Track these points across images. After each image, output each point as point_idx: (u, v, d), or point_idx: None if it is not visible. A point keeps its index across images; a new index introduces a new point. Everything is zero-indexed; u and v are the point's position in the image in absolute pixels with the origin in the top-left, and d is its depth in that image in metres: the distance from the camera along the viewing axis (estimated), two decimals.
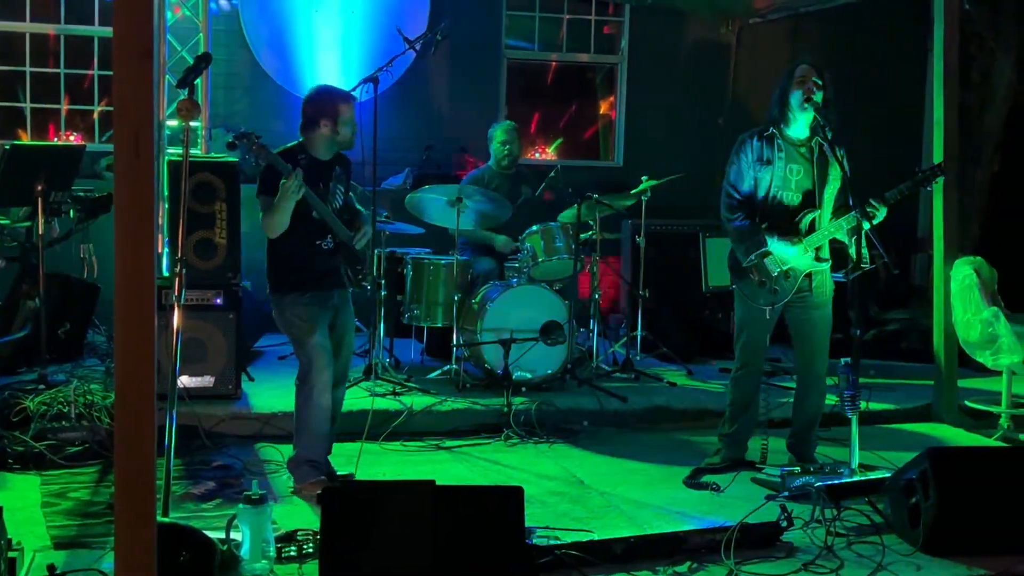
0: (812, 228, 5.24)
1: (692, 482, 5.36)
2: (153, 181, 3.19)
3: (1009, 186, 9.76)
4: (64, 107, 9.08)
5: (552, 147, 10.39)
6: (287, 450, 5.28)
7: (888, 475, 4.89)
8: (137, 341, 3.15)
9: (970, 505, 4.40)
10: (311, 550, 4.16)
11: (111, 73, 3.13)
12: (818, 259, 5.29)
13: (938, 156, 6.56)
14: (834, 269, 5.43)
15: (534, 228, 7.14)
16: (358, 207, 5.45)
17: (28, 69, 8.95)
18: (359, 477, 5.14)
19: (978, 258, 6.61)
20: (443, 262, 7.16)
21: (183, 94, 4.66)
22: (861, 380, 5.11)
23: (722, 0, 9.48)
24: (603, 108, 10.52)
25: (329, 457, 5.17)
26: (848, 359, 5.04)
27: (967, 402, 6.85)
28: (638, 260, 7.92)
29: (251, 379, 6.71)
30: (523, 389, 6.64)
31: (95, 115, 9.13)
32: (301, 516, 4.66)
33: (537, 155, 10.18)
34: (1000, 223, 9.61)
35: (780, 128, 5.29)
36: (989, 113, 9.86)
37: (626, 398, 6.67)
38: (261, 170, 5.03)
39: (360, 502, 3.81)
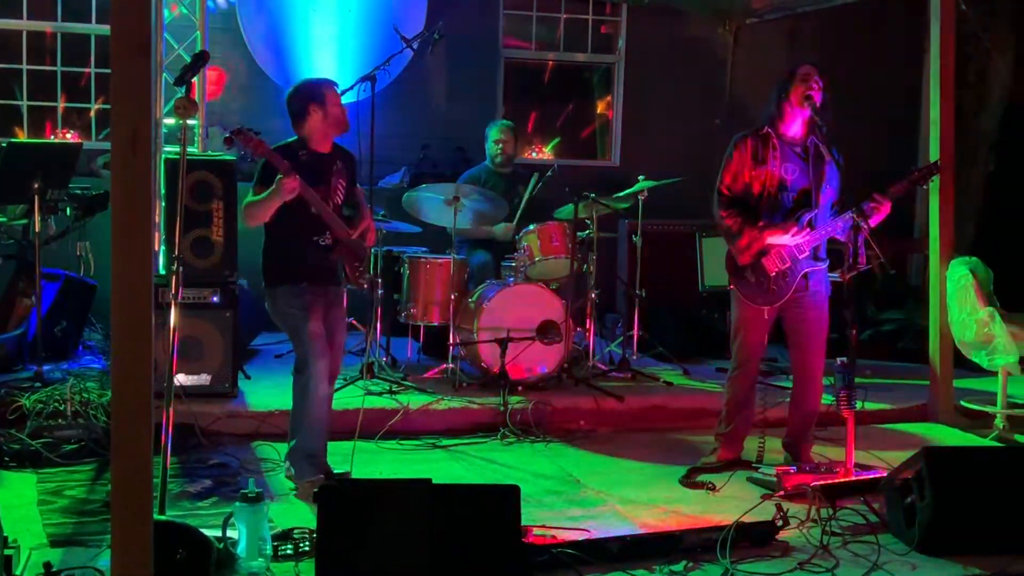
0: (809, 227, 5.25)
1: (688, 481, 5.36)
2: (150, 179, 3.20)
3: (1005, 186, 9.78)
4: (61, 105, 9.08)
5: (549, 146, 10.39)
6: (283, 448, 5.28)
7: (884, 475, 4.90)
8: (134, 339, 3.16)
9: (966, 505, 4.40)
10: (307, 548, 4.15)
11: (108, 71, 3.14)
12: (816, 258, 5.30)
13: (934, 156, 6.57)
14: (830, 269, 5.44)
15: (531, 227, 7.14)
16: (362, 203, 5.40)
17: (25, 67, 8.95)
18: (355, 476, 5.13)
19: (974, 258, 6.62)
20: (440, 261, 7.16)
21: (180, 92, 4.66)
22: (857, 380, 5.11)
23: (719, 0, 9.48)
24: (600, 108, 10.53)
25: (325, 456, 5.16)
26: (844, 359, 5.05)
27: (962, 402, 6.86)
28: (635, 259, 7.92)
29: (248, 377, 6.71)
30: (519, 388, 6.64)
31: (92, 113, 9.14)
32: (298, 514, 4.66)
33: (534, 154, 10.19)
34: (996, 223, 9.63)
35: (776, 127, 5.30)
36: (985, 113, 9.88)
37: (623, 397, 6.67)
38: (259, 165, 5.02)
39: (357, 500, 3.81)
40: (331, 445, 5.24)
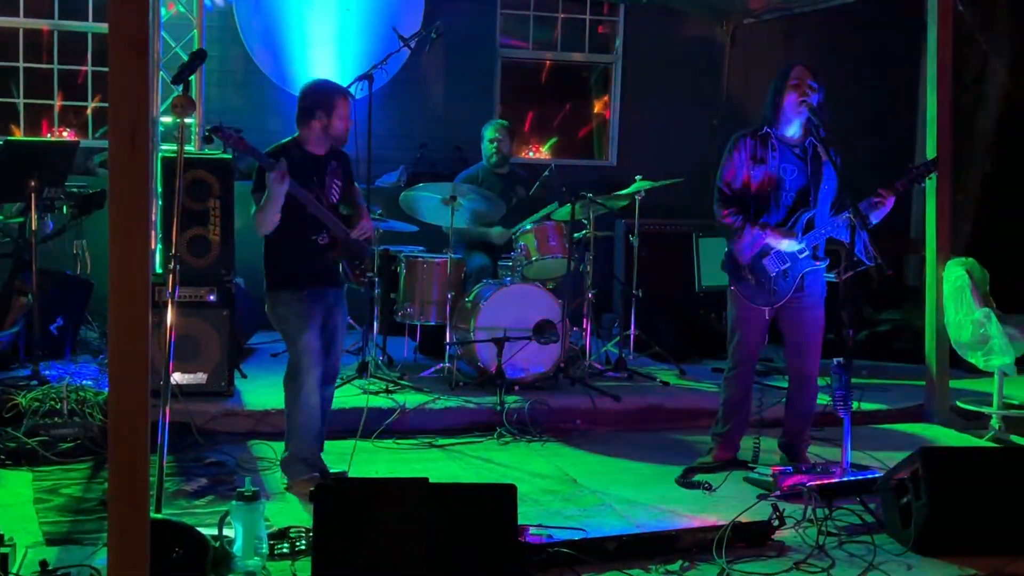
0: (809, 227, 5.25)
1: (684, 481, 5.36)
2: (149, 177, 3.20)
3: (1001, 187, 9.80)
4: (57, 103, 9.07)
5: (546, 146, 10.40)
6: (280, 447, 5.28)
7: (880, 475, 4.90)
8: (131, 338, 3.16)
9: (961, 505, 4.41)
10: (304, 547, 4.16)
11: (105, 69, 3.14)
12: (815, 258, 5.30)
13: (931, 157, 6.56)
14: (827, 269, 5.45)
15: (528, 227, 7.15)
16: (360, 202, 5.41)
17: (22, 64, 8.94)
18: (352, 475, 5.13)
19: (970, 259, 6.62)
20: (437, 260, 7.16)
21: (177, 91, 4.65)
22: (853, 380, 5.12)
23: (717, 0, 9.49)
24: (597, 107, 10.53)
25: (321, 455, 5.16)
26: (840, 359, 5.06)
27: (958, 403, 6.87)
28: (631, 259, 7.93)
29: (244, 376, 6.71)
30: (516, 388, 6.65)
31: (88, 111, 9.12)
32: (294, 513, 4.66)
33: (531, 154, 10.19)
34: (992, 224, 9.65)
35: (774, 127, 5.31)
36: (982, 114, 9.89)
37: (619, 397, 6.68)
38: (254, 171, 5.02)
39: (353, 499, 3.81)
40: (328, 444, 5.25)
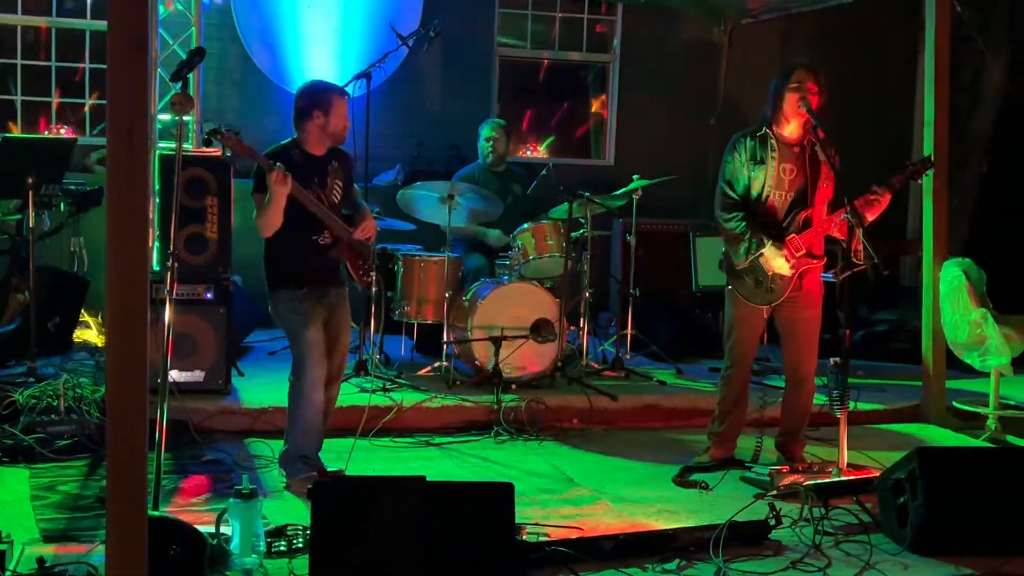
0: (805, 226, 5.26)
1: (681, 480, 5.37)
2: (147, 175, 3.20)
3: (998, 188, 9.81)
4: (55, 100, 9.06)
5: (544, 145, 10.40)
6: (277, 445, 5.28)
7: (876, 475, 4.91)
8: (130, 335, 3.16)
9: (958, 505, 4.42)
10: (301, 545, 4.15)
11: (103, 66, 3.15)
12: (812, 256, 5.30)
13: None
14: (824, 269, 5.46)
15: (525, 226, 7.14)
16: (361, 202, 5.41)
17: (19, 62, 8.94)
18: (349, 473, 5.14)
19: (967, 260, 6.63)
20: (434, 259, 7.16)
21: (174, 88, 4.65)
22: (850, 380, 5.13)
23: (714, 0, 9.50)
24: (595, 107, 10.54)
25: (319, 453, 5.16)
26: (837, 359, 5.07)
27: (955, 403, 6.87)
28: (629, 259, 7.93)
29: (241, 374, 6.71)
30: (513, 386, 6.65)
31: (86, 108, 9.12)
32: (291, 511, 4.65)
33: (528, 153, 10.19)
34: (989, 225, 9.66)
35: (773, 128, 5.31)
36: (979, 115, 9.91)
37: (616, 396, 6.68)
38: (254, 172, 5.01)
39: (351, 498, 3.81)
40: (325, 442, 5.24)
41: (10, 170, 6.43)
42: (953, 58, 6.95)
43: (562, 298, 6.89)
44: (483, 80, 9.86)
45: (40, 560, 3.75)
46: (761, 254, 5.23)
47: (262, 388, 6.39)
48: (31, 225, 6.42)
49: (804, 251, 5.26)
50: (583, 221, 7.25)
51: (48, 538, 4.26)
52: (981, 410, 6.62)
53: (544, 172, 7.42)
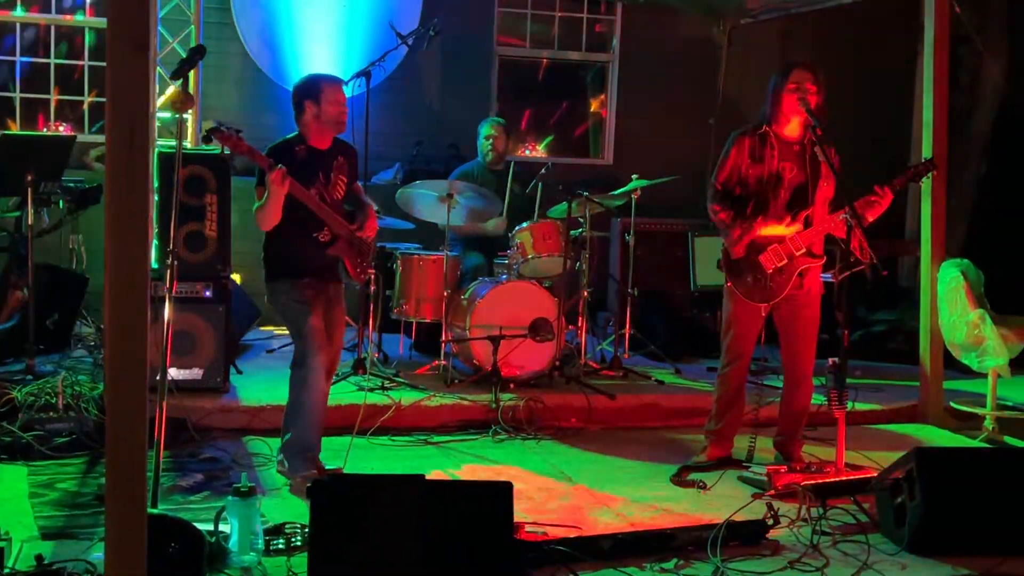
0: (805, 224, 5.27)
1: (679, 480, 5.37)
2: (148, 175, 3.20)
3: (996, 189, 9.82)
4: (54, 97, 9.06)
5: (543, 144, 10.40)
6: (275, 443, 5.28)
7: (874, 475, 4.92)
8: (130, 333, 3.16)
9: (955, 506, 4.43)
10: (299, 543, 4.16)
11: (102, 64, 3.15)
12: (812, 255, 5.31)
13: (927, 156, 6.57)
14: (823, 270, 5.46)
15: (524, 224, 7.15)
16: (364, 199, 5.40)
17: (19, 59, 8.93)
18: (347, 472, 5.14)
19: (965, 260, 6.64)
20: (433, 257, 7.16)
21: (173, 86, 4.65)
22: (847, 380, 5.14)
23: (714, 0, 9.50)
24: (594, 106, 10.55)
25: (319, 451, 5.16)
26: (835, 359, 5.07)
27: (952, 403, 6.88)
28: (627, 258, 7.93)
29: (239, 372, 6.71)
30: (511, 385, 6.65)
31: (85, 106, 9.12)
32: (289, 509, 4.65)
33: (528, 152, 10.20)
34: (987, 225, 9.67)
35: (772, 126, 5.32)
36: (977, 116, 9.91)
37: (614, 395, 6.68)
38: (257, 166, 5.00)
39: (350, 496, 3.81)
40: (323, 440, 5.23)
41: (9, 167, 6.42)
42: (952, 58, 6.95)
43: (560, 297, 6.89)
44: (482, 79, 9.87)
45: (39, 557, 3.75)
46: (765, 245, 5.22)
47: (260, 386, 6.39)
48: (30, 222, 6.42)
49: (804, 250, 5.27)
50: (582, 220, 7.26)
51: (47, 535, 4.26)
52: (979, 411, 6.63)
53: (544, 171, 7.42)
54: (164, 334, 4.46)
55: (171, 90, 7.46)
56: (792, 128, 5.30)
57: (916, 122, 9.77)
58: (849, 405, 5.18)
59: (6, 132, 8.40)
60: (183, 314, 5.96)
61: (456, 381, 6.76)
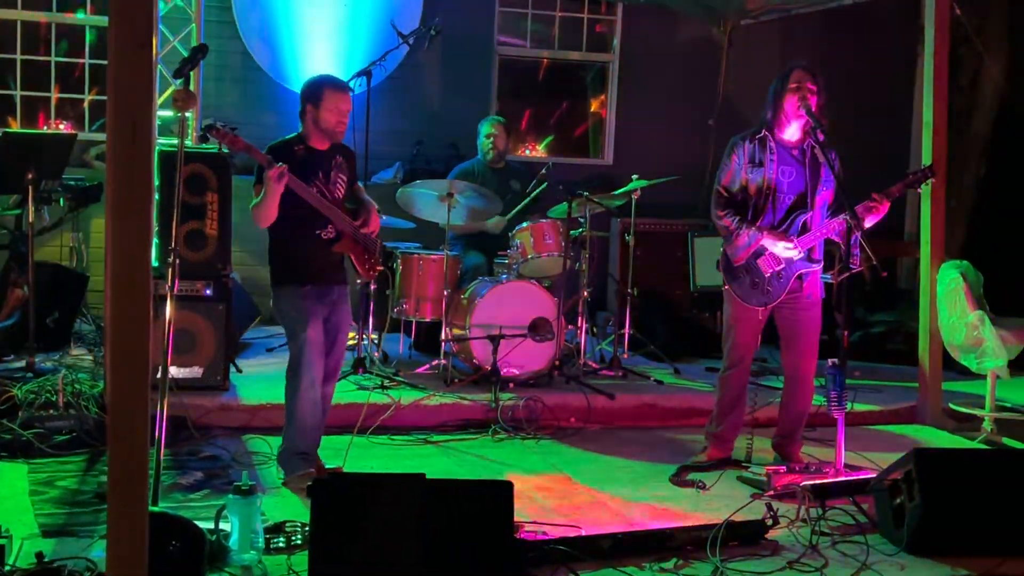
0: (804, 229, 5.28)
1: (678, 480, 5.38)
2: (150, 174, 3.21)
3: (996, 190, 9.82)
4: (54, 95, 9.06)
5: (543, 144, 10.41)
6: (275, 442, 5.28)
7: (873, 475, 4.92)
8: (132, 331, 3.16)
9: (954, 506, 4.44)
10: (299, 542, 4.17)
11: (102, 62, 3.16)
12: (811, 259, 5.32)
13: (926, 159, 6.58)
14: (823, 271, 5.47)
15: (524, 224, 7.15)
16: (365, 197, 5.40)
17: (19, 57, 8.93)
18: (347, 471, 5.14)
19: (964, 262, 6.65)
20: (433, 257, 7.16)
21: (175, 85, 4.66)
22: (847, 381, 5.14)
23: (715, 0, 9.51)
24: (594, 106, 10.55)
25: (317, 451, 5.17)
26: (835, 360, 5.08)
27: (951, 405, 6.89)
28: (627, 258, 7.93)
29: (239, 371, 6.71)
30: (511, 385, 6.66)
31: (85, 104, 9.11)
32: (289, 508, 4.66)
33: (528, 152, 10.20)
34: (987, 227, 9.67)
35: (772, 130, 5.32)
36: (977, 117, 9.92)
37: (613, 395, 6.69)
38: (256, 164, 5.01)
39: (350, 495, 3.82)
40: (324, 440, 5.25)
41: (10, 165, 6.43)
42: (951, 59, 6.95)
43: (560, 297, 6.90)
44: (483, 79, 9.87)
45: (39, 555, 3.75)
46: (763, 249, 5.24)
47: (260, 384, 6.40)
48: (30, 220, 6.42)
49: (802, 254, 5.28)
50: (582, 220, 7.26)
51: (47, 533, 4.27)
52: (977, 412, 6.64)
53: (544, 171, 7.43)
54: (165, 332, 4.47)
55: (173, 88, 7.47)
56: (792, 132, 5.31)
57: (916, 123, 9.79)
58: (848, 406, 5.19)
59: (7, 130, 8.41)
60: (183, 312, 5.96)
61: (456, 380, 6.77)
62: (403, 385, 6.63)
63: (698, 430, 5.87)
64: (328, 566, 3.71)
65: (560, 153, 10.31)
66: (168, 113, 7.81)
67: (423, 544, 3.75)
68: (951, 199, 7.36)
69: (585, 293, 7.28)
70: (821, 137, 5.23)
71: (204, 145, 7.25)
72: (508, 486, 3.91)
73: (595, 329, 8.34)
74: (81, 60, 9.04)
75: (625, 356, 7.77)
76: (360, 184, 5.46)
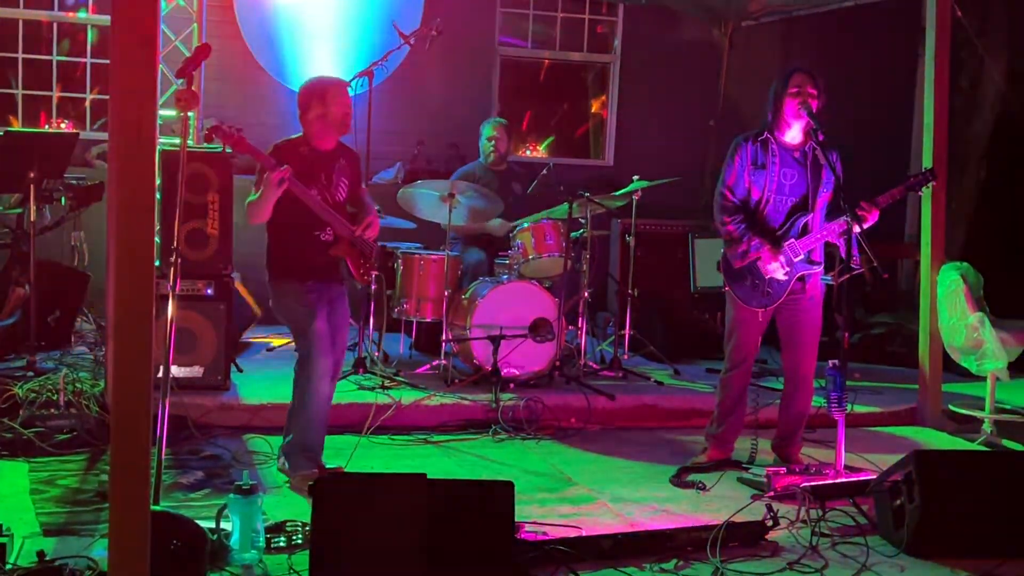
0: (804, 231, 5.28)
1: (678, 480, 5.38)
2: (153, 175, 3.21)
3: (996, 192, 9.82)
4: (56, 94, 9.06)
5: (544, 145, 10.41)
6: (276, 441, 5.29)
7: (873, 477, 4.93)
8: (134, 331, 3.17)
9: (954, 508, 4.44)
10: (300, 541, 4.17)
11: (104, 61, 3.16)
12: (811, 261, 5.33)
13: (927, 161, 6.59)
14: (823, 271, 5.48)
15: (525, 225, 7.16)
16: (368, 201, 5.40)
17: (20, 56, 8.93)
18: (348, 471, 5.14)
19: (964, 264, 6.66)
20: (433, 257, 7.17)
21: (176, 84, 4.66)
22: (847, 383, 5.15)
23: (716, 1, 9.52)
24: (595, 107, 10.56)
25: (322, 451, 5.17)
26: (835, 361, 5.09)
27: (951, 406, 6.90)
28: (627, 259, 7.94)
29: (240, 370, 6.71)
30: (511, 385, 6.67)
31: (87, 103, 9.12)
32: (289, 507, 4.67)
33: (528, 152, 10.21)
34: (987, 229, 9.67)
35: (774, 133, 5.33)
36: (977, 119, 9.91)
37: (613, 396, 6.69)
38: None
39: (351, 494, 3.82)
40: (325, 439, 5.25)
41: (12, 164, 6.43)
42: (952, 62, 6.95)
43: (561, 298, 6.91)
44: (484, 79, 9.88)
45: (40, 553, 3.76)
46: (759, 257, 5.26)
47: (261, 384, 6.40)
48: (32, 219, 6.43)
49: (802, 256, 5.29)
50: (583, 221, 7.27)
51: (48, 532, 4.27)
52: (977, 414, 6.64)
53: (545, 171, 7.43)
54: (167, 332, 4.47)
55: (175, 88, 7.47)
56: (793, 134, 5.32)
57: (916, 125, 9.78)
58: (848, 407, 5.20)
59: (9, 129, 8.41)
60: (184, 312, 5.96)
61: (456, 381, 6.77)
62: (404, 385, 6.64)
63: (698, 431, 5.87)
64: (329, 565, 3.72)
65: (561, 154, 10.31)
66: (170, 112, 7.82)
67: (424, 544, 3.76)
68: (951, 201, 7.37)
69: (586, 294, 7.29)
70: (822, 138, 5.24)
71: (205, 144, 7.29)
72: (509, 486, 3.92)
73: (595, 330, 8.35)
74: (83, 59, 9.05)
75: (625, 357, 7.78)
76: (365, 187, 5.47)
